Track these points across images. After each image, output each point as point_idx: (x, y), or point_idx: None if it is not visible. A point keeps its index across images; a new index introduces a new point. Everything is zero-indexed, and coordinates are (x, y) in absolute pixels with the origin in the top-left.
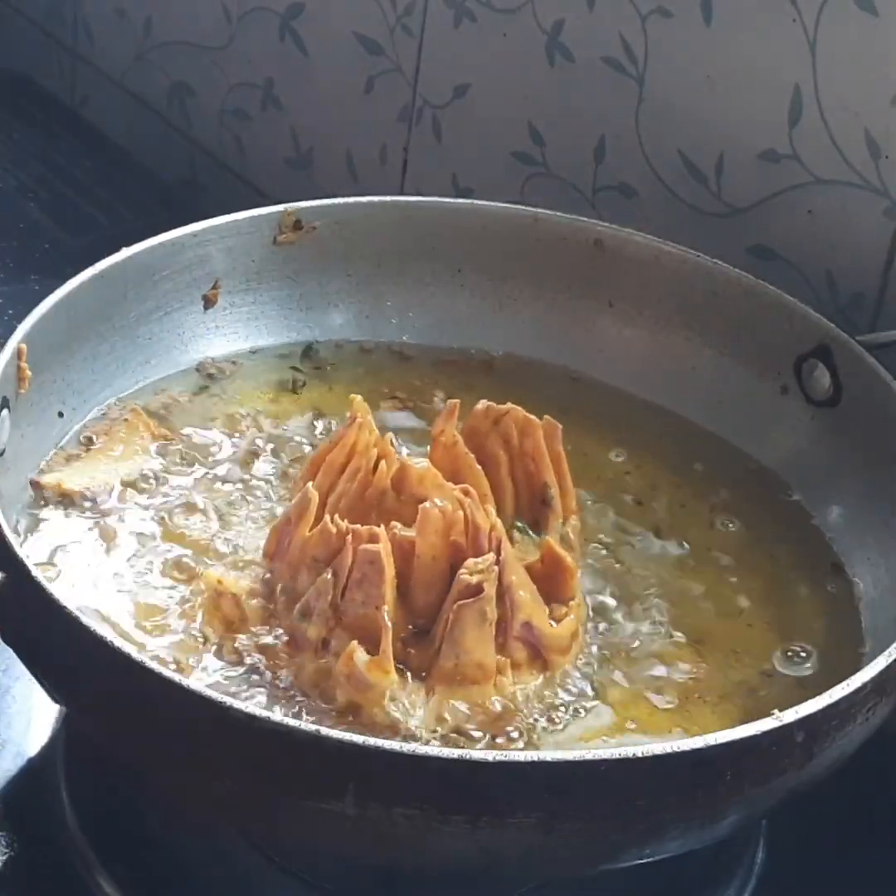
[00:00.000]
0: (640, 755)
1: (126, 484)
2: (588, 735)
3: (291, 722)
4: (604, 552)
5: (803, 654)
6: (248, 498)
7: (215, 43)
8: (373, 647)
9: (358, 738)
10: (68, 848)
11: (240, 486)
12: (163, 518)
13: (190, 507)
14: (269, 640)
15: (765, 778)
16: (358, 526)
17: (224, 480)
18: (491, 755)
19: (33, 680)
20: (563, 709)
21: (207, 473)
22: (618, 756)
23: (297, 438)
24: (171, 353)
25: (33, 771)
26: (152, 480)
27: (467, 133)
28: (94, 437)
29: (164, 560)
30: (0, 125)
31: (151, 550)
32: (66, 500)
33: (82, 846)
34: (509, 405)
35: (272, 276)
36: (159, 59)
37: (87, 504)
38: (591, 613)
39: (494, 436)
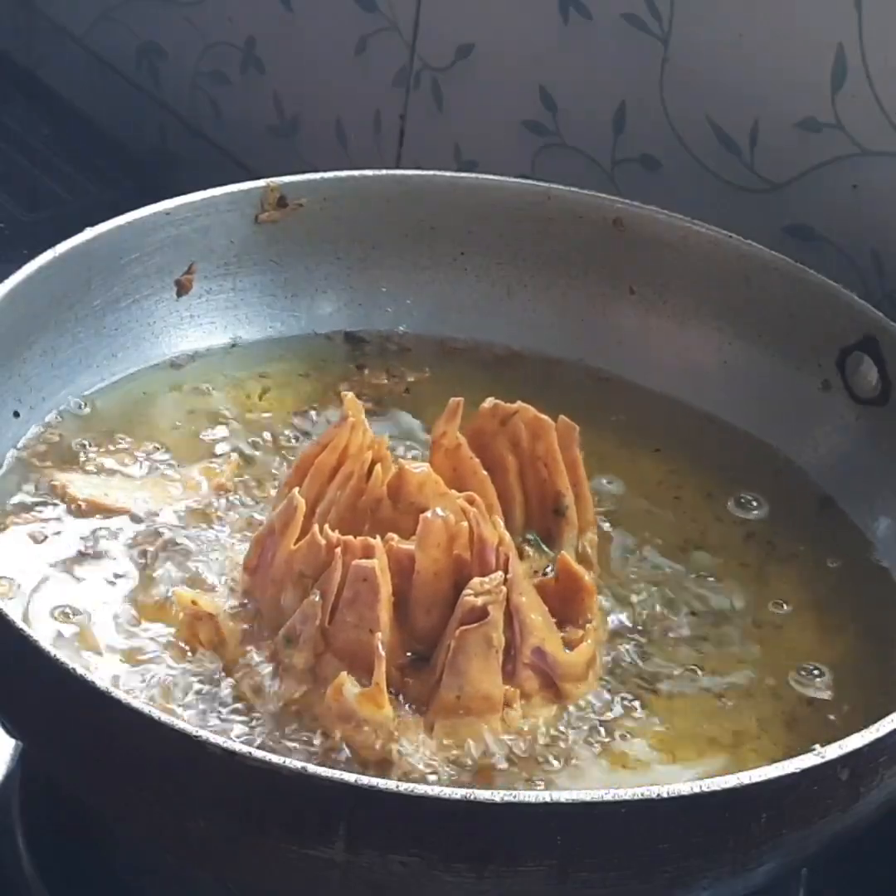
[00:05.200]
0: (664, 795)
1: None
2: (607, 773)
3: (275, 758)
4: (620, 567)
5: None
6: (227, 508)
7: None
8: (365, 676)
9: (349, 777)
10: None
11: (218, 494)
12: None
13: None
14: (249, 665)
15: (805, 821)
16: (350, 537)
17: (199, 488)
18: (498, 795)
19: None
20: (577, 744)
21: (181, 477)
22: (640, 796)
23: (283, 440)
24: (140, 345)
25: None
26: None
27: (471, 99)
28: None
29: (129, 577)
30: None
31: (114, 567)
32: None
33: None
34: (519, 404)
35: (253, 260)
36: (126, 15)
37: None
38: (608, 636)
39: (502, 438)
